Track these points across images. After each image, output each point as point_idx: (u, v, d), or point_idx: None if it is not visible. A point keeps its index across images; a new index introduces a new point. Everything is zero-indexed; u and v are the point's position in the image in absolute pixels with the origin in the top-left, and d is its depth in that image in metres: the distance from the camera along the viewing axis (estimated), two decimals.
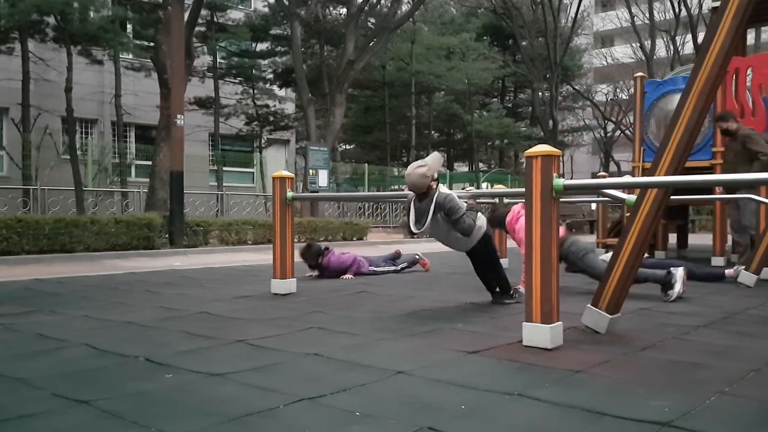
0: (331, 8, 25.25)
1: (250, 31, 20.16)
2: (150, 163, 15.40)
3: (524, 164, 3.55)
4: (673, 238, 11.41)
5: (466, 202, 4.86)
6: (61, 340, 3.49)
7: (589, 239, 9.89)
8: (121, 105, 17.88)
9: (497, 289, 4.96)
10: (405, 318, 4.28)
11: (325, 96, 20.71)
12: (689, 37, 29.91)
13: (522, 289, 4.90)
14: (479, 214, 4.69)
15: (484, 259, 4.89)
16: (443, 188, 4.56)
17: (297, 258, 5.72)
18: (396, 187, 23.82)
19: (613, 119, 35.32)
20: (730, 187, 7.26)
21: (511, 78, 32.76)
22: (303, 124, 22.02)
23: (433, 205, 4.37)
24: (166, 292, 5.58)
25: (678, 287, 5.09)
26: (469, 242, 4.71)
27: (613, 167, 35.12)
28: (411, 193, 4.60)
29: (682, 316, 4.34)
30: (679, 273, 5.14)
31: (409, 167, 4.50)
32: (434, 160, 4.50)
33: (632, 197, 3.74)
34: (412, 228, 4.48)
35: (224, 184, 19.30)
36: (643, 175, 8.23)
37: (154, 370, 2.87)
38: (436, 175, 4.45)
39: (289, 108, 24.20)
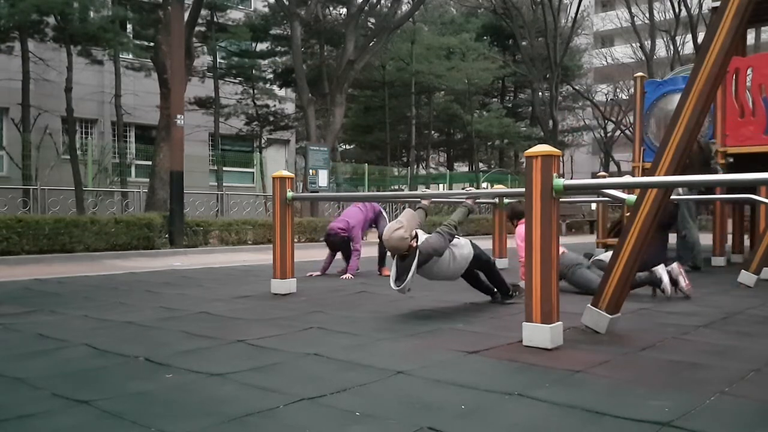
0: (331, 8, 25.22)
1: (250, 31, 20.14)
2: (150, 163, 15.39)
3: (524, 164, 3.55)
4: (673, 238, 11.40)
5: (464, 201, 4.86)
6: (61, 340, 3.49)
7: (589, 239, 9.89)
8: (121, 105, 17.86)
9: (495, 291, 4.97)
10: (405, 318, 4.28)
11: (325, 96, 20.69)
12: (689, 37, 29.87)
13: (522, 283, 4.91)
14: (462, 239, 4.62)
15: (480, 270, 4.89)
16: (421, 236, 4.37)
17: (297, 258, 5.72)
18: (396, 187, 23.81)
19: (613, 119, 35.30)
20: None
21: (511, 78, 32.73)
22: (303, 124, 21.99)
23: (415, 262, 4.19)
24: (166, 292, 5.58)
25: (665, 279, 5.10)
26: (460, 273, 4.69)
27: (613, 167, 35.09)
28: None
29: (682, 316, 4.34)
30: (661, 268, 5.15)
31: (386, 230, 4.28)
32: (409, 218, 4.31)
33: (632, 197, 3.74)
34: (392, 285, 4.27)
35: (224, 184, 19.28)
36: (643, 175, 8.24)
37: (154, 370, 2.87)
38: (414, 233, 4.27)
39: (289, 108, 24.18)
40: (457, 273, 4.69)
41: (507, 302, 4.87)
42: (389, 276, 7.24)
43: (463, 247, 4.63)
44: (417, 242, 4.26)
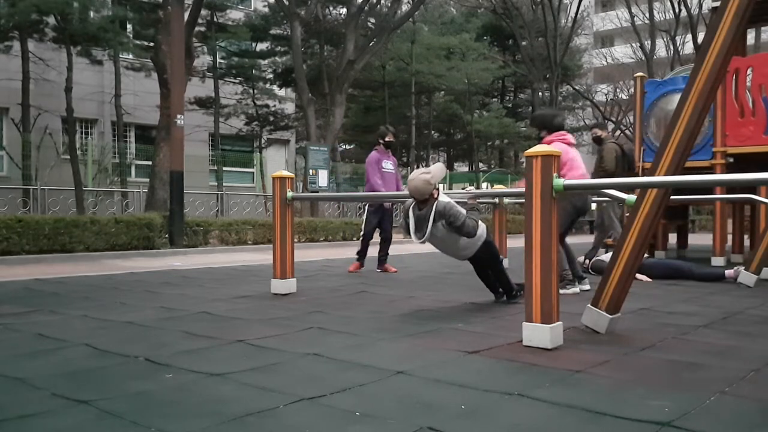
0: (331, 8, 25.23)
1: (250, 31, 20.15)
2: (150, 163, 15.40)
3: (524, 164, 3.55)
4: (673, 238, 11.42)
5: (466, 202, 4.87)
6: (61, 340, 3.49)
7: (589, 239, 9.89)
8: (121, 105, 17.87)
9: (500, 290, 4.96)
10: (405, 318, 4.28)
11: (325, 96, 20.70)
12: (689, 37, 29.90)
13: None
14: (481, 223, 4.65)
15: (487, 265, 4.89)
16: (443, 196, 4.53)
17: (297, 258, 5.72)
18: None
19: (613, 119, 35.31)
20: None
21: (511, 78, 32.74)
22: (303, 124, 22.00)
23: (432, 213, 4.34)
24: (166, 292, 5.58)
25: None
26: (469, 251, 4.69)
27: None
28: (409, 200, 4.56)
29: (682, 316, 4.34)
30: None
31: (413, 173, 4.47)
32: (438, 169, 4.47)
33: (632, 197, 3.74)
34: (413, 237, 4.44)
35: (224, 184, 19.29)
36: (643, 175, 8.24)
37: (154, 370, 2.87)
38: (437, 185, 4.43)
39: (289, 108, 24.18)
40: (465, 252, 4.71)
41: (510, 301, 4.87)
42: (392, 271, 7.30)
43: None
44: (438, 195, 4.39)
